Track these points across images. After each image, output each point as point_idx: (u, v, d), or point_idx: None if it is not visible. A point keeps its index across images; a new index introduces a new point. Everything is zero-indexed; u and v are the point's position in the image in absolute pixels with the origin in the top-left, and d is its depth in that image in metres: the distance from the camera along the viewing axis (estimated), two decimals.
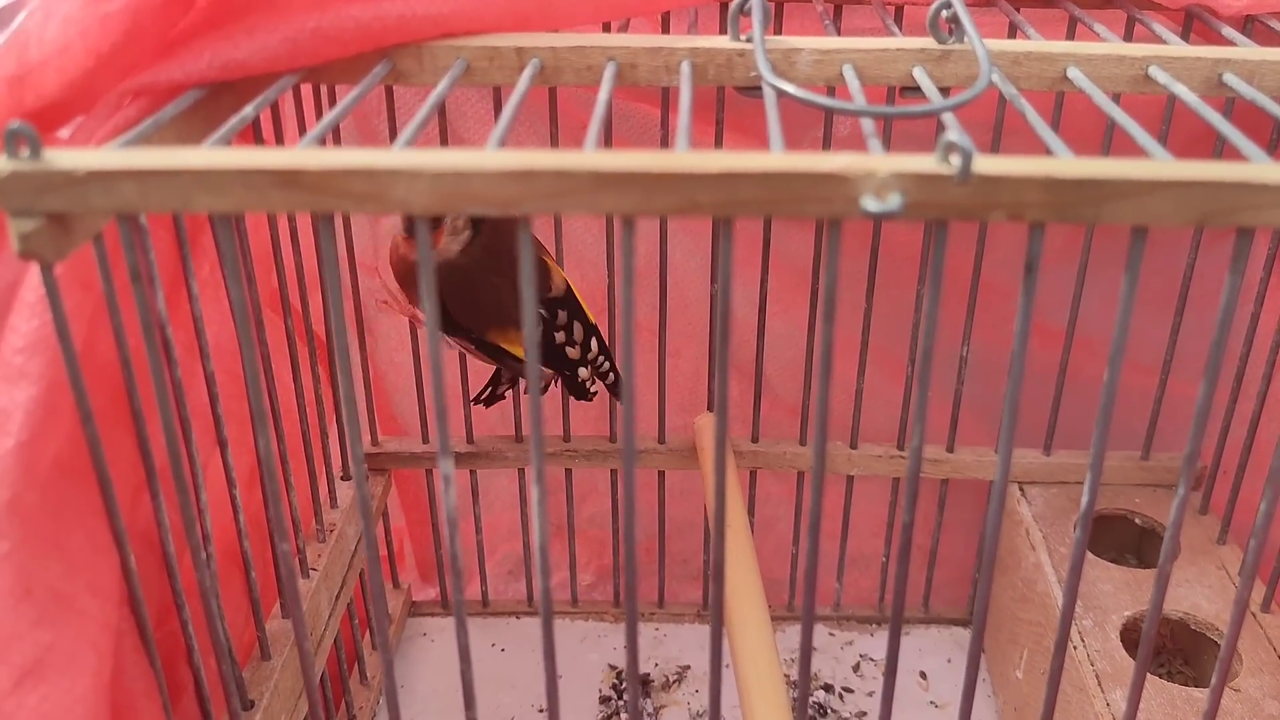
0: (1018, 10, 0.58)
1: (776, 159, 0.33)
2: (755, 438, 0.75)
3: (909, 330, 0.72)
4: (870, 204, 0.33)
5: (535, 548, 0.48)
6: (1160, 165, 0.33)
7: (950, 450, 0.75)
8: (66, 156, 0.34)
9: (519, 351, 0.65)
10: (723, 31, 0.60)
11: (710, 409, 0.75)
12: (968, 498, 0.80)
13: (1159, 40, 0.52)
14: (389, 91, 0.63)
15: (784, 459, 0.75)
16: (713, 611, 0.41)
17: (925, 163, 0.33)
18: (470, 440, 0.76)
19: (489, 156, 0.33)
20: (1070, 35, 0.60)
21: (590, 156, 0.33)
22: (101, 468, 0.40)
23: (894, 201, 0.33)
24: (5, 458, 0.37)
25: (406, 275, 0.63)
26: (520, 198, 0.34)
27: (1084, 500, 0.39)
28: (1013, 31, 0.58)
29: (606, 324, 0.71)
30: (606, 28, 0.58)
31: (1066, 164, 0.33)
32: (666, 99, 0.64)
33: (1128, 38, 0.59)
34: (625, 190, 0.33)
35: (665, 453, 0.75)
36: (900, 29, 0.53)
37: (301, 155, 0.34)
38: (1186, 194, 0.33)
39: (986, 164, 0.33)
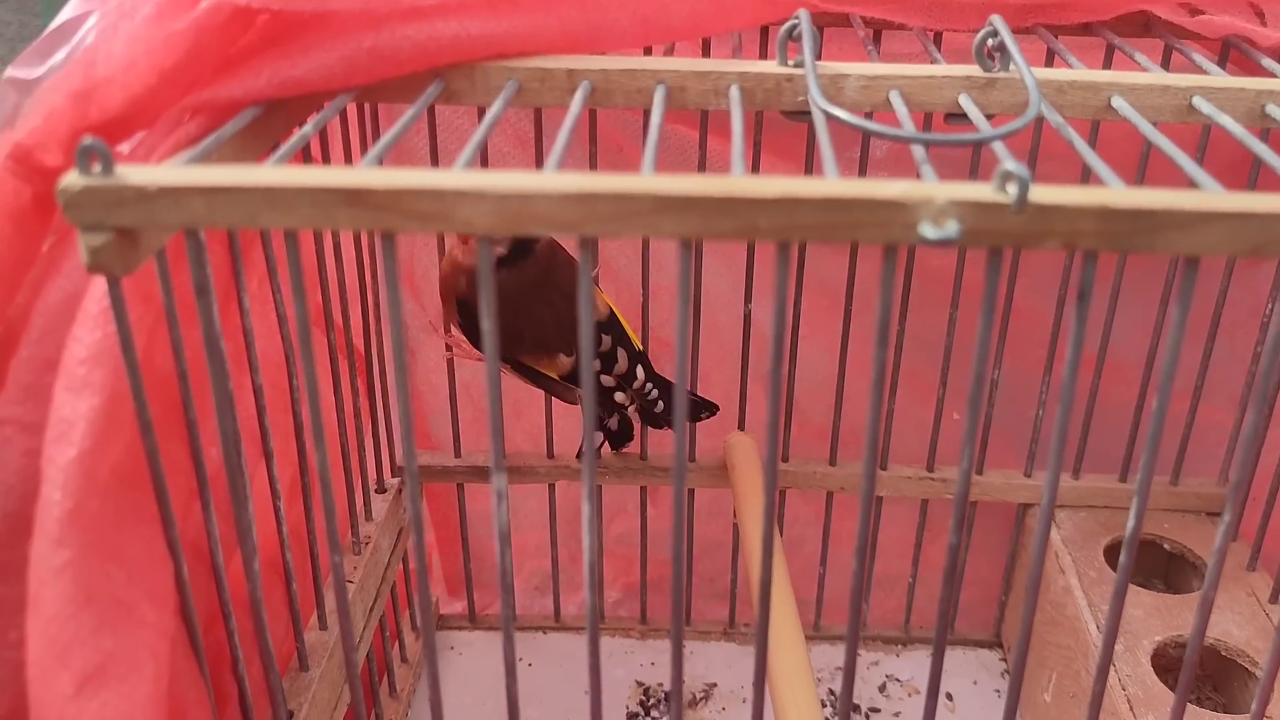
0: (1055, 38, 0.58)
1: (836, 185, 0.34)
2: (785, 457, 0.76)
3: (940, 353, 0.72)
4: (928, 231, 0.33)
5: (584, 564, 0.48)
6: (1214, 196, 0.34)
7: (979, 473, 0.76)
8: (137, 173, 0.35)
9: (553, 373, 0.66)
10: (762, 56, 0.61)
11: (740, 428, 0.75)
12: (994, 520, 0.80)
13: (1197, 69, 0.53)
14: (430, 109, 0.63)
15: (813, 479, 0.76)
16: (758, 631, 0.41)
17: (982, 191, 0.34)
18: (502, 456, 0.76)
19: (552, 179, 0.34)
20: (1108, 63, 0.60)
21: (651, 180, 0.34)
22: (159, 478, 0.41)
23: (951, 229, 0.33)
24: (68, 467, 0.38)
25: (446, 294, 0.63)
26: (582, 220, 0.34)
27: (1130, 524, 0.40)
28: (1050, 58, 0.58)
29: (642, 340, 0.72)
30: (648, 52, 0.59)
31: (1121, 194, 0.34)
32: (705, 121, 0.64)
33: (1165, 66, 0.59)
34: (686, 214, 0.34)
35: (695, 471, 0.76)
36: (940, 54, 0.54)
37: (369, 175, 0.34)
38: (1240, 225, 0.33)
39: (1042, 193, 0.33)
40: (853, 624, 0.41)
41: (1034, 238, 0.34)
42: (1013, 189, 0.33)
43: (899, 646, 0.82)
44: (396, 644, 0.75)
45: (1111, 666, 0.61)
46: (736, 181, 0.34)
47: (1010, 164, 0.33)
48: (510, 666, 0.43)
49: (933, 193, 0.33)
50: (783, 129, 0.68)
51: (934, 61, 0.51)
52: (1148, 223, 0.33)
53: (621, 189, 0.34)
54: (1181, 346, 0.36)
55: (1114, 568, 0.70)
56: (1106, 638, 0.42)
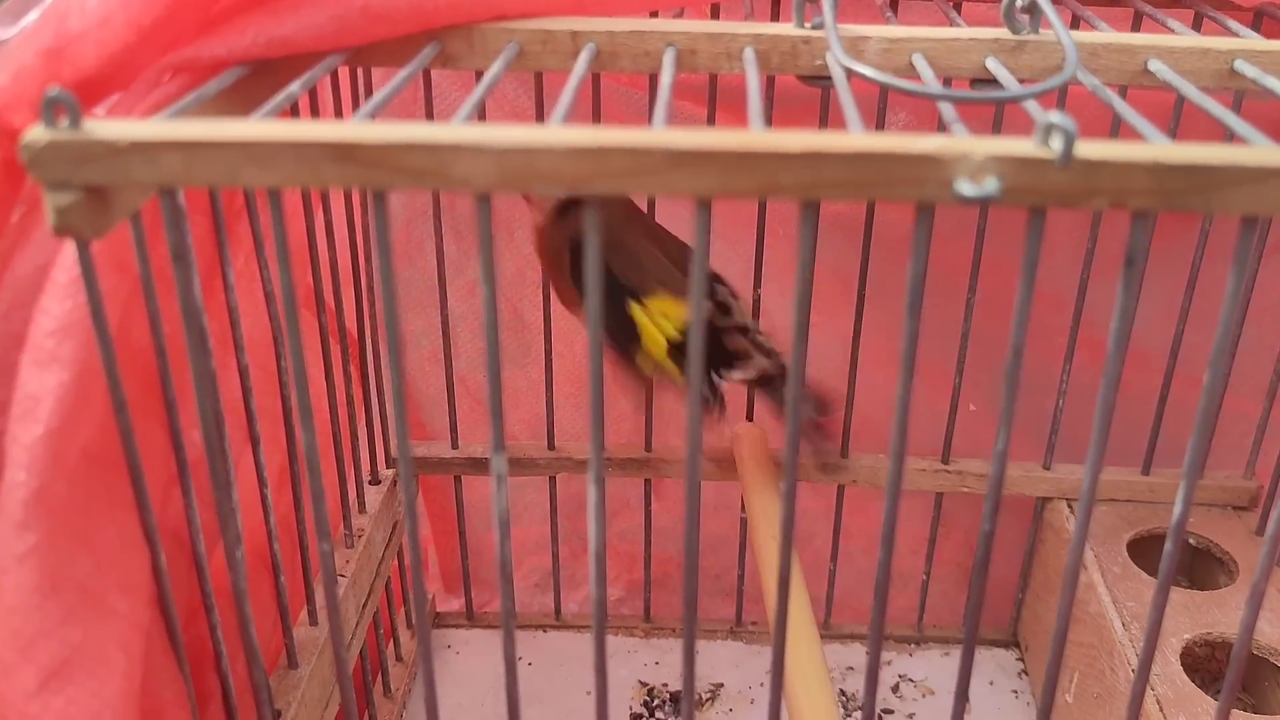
0: (1083, 6, 0.56)
1: (865, 139, 0.31)
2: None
3: (955, 341, 0.70)
4: (965, 188, 0.31)
5: (590, 556, 0.46)
6: (1273, 152, 0.31)
7: None
8: (108, 126, 0.32)
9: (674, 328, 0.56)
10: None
11: (749, 419, 0.73)
12: (1010, 514, 0.78)
13: (1233, 36, 0.50)
14: (427, 77, 0.61)
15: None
16: (775, 628, 0.39)
17: (1024, 146, 0.31)
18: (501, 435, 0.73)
19: (557, 133, 0.31)
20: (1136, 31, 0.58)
21: (666, 134, 0.31)
22: (134, 459, 0.38)
23: (991, 186, 0.31)
24: (34, 446, 0.35)
25: (551, 251, 0.59)
26: (590, 176, 0.32)
27: (1176, 511, 0.37)
28: (1075, 25, 0.56)
29: None
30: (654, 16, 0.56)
31: (1175, 149, 0.31)
32: (714, 94, 0.62)
33: None
34: (703, 170, 0.31)
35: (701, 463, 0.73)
36: (962, 22, 0.51)
37: (357, 128, 0.32)
38: None
39: (1089, 148, 0.31)
40: (876, 620, 0.38)
41: (1080, 196, 0.31)
42: (1057, 142, 0.31)
43: (912, 646, 0.79)
44: (391, 642, 0.73)
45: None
46: (757, 135, 0.31)
47: (1054, 115, 0.30)
48: (510, 664, 0.40)
49: (970, 147, 0.31)
50: (792, 106, 0.66)
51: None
52: (1203, 179, 0.31)
53: (633, 143, 0.31)
54: (1235, 317, 0.34)
55: (1137, 563, 0.67)
56: (1149, 634, 0.39)
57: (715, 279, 0.59)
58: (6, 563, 0.34)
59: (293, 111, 0.50)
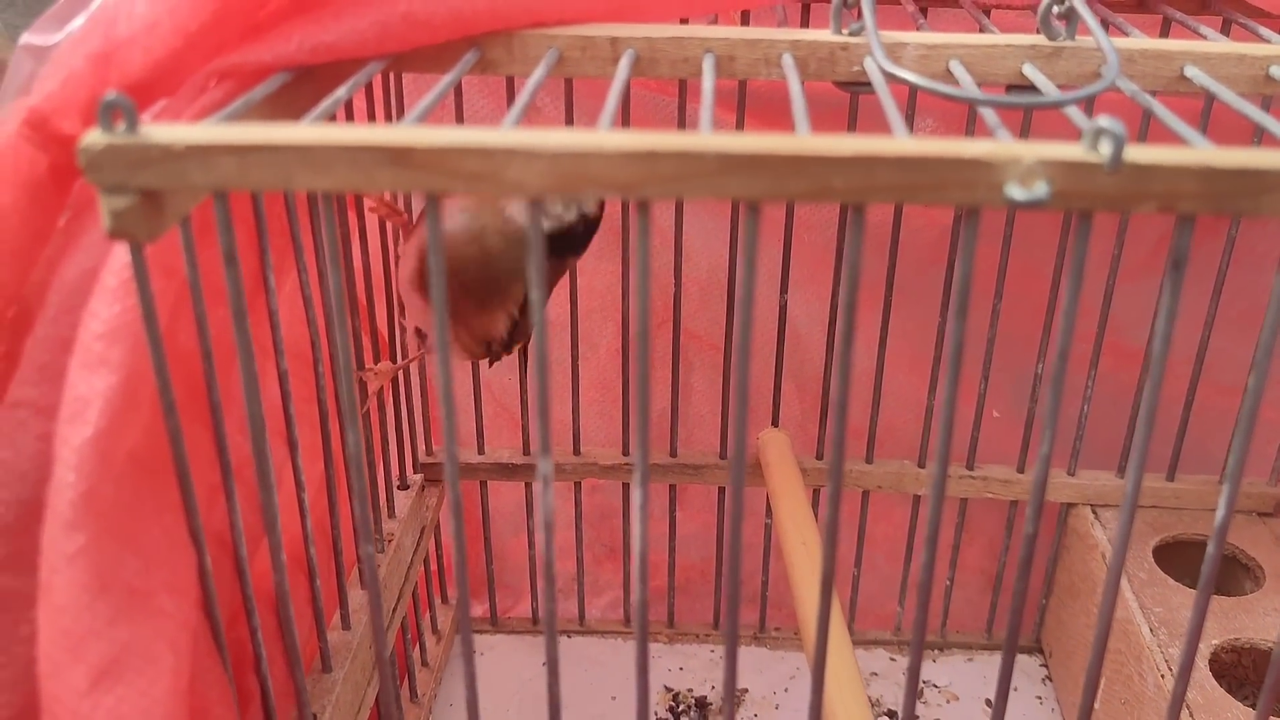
0: (1113, 13, 0.56)
1: (916, 143, 0.31)
2: (820, 454, 0.73)
3: (979, 348, 0.70)
4: (1015, 192, 0.31)
5: (635, 562, 0.46)
6: None
7: (1020, 471, 0.73)
8: (164, 131, 0.32)
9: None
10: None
11: (774, 424, 0.73)
12: None
13: (1264, 43, 0.50)
14: (458, 88, 0.61)
15: (849, 477, 0.73)
16: (818, 629, 0.39)
17: (1073, 150, 0.31)
18: (527, 451, 0.74)
19: (610, 137, 0.32)
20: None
21: (717, 138, 0.32)
22: (182, 462, 0.38)
23: (1040, 190, 0.31)
24: (82, 448, 0.36)
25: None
26: (642, 180, 0.32)
27: (1219, 514, 0.37)
28: (1108, 32, 0.56)
29: (671, 335, 0.69)
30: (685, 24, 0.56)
31: (1224, 154, 0.31)
32: (743, 102, 0.62)
33: None
34: (754, 174, 0.32)
35: (726, 468, 0.73)
36: (994, 29, 0.52)
37: (413, 132, 0.32)
38: None
39: (1139, 153, 0.31)
40: (919, 623, 0.38)
41: (1129, 200, 0.31)
42: (1106, 147, 0.31)
43: (936, 651, 0.79)
44: (417, 647, 0.73)
45: (1169, 670, 0.58)
46: (809, 139, 0.31)
47: (1104, 120, 0.31)
48: (552, 663, 0.40)
49: (1020, 151, 0.31)
50: (818, 109, 0.66)
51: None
52: (1255, 183, 0.31)
53: (685, 147, 0.31)
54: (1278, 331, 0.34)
55: (1164, 568, 0.67)
56: (1189, 639, 0.39)
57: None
58: (56, 562, 0.35)
59: (330, 118, 0.50)
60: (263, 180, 0.33)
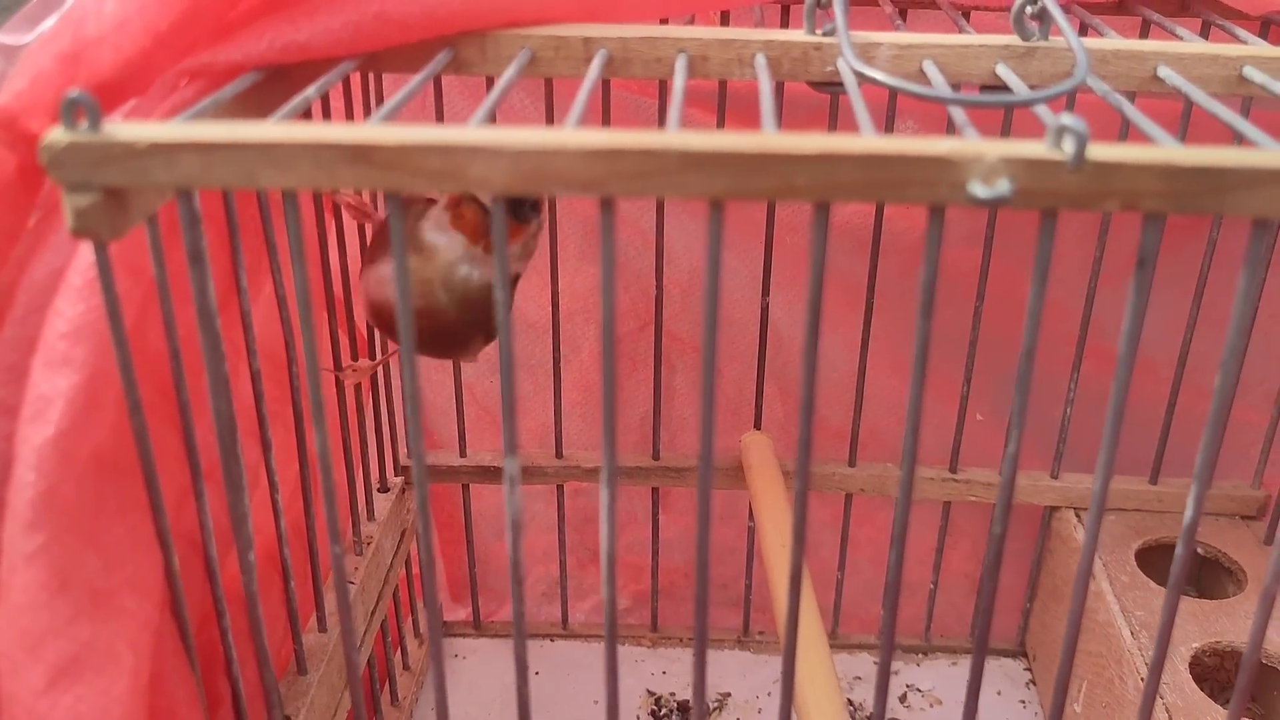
0: (1091, 14, 0.56)
1: (879, 141, 0.31)
2: None
3: (963, 349, 0.70)
4: (978, 190, 0.31)
5: (601, 559, 0.46)
6: None
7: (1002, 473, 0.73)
8: (127, 128, 0.32)
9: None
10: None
11: (756, 427, 0.73)
12: (1018, 524, 0.78)
13: (1240, 44, 0.50)
14: (437, 85, 0.61)
15: (832, 480, 0.73)
16: (786, 631, 0.39)
17: (1036, 148, 0.31)
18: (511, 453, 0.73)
19: (572, 134, 0.32)
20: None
21: (680, 136, 0.31)
22: (148, 462, 0.38)
23: (1003, 187, 0.31)
24: (43, 447, 0.35)
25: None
26: (604, 178, 0.32)
27: (1187, 515, 0.37)
28: (1084, 33, 0.56)
29: (653, 338, 0.69)
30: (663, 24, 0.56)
31: (1188, 152, 0.31)
32: (723, 102, 0.62)
33: None
34: (716, 172, 0.31)
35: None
36: (971, 29, 0.52)
37: (374, 130, 0.32)
38: None
39: (1101, 150, 0.31)
40: (887, 628, 0.38)
41: (1091, 198, 0.31)
42: (1069, 145, 0.31)
43: (920, 655, 0.79)
44: (399, 650, 0.73)
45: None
46: (771, 137, 0.31)
47: (1066, 118, 0.31)
48: (521, 666, 0.40)
49: (983, 149, 0.31)
50: (800, 114, 0.66)
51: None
52: (1215, 181, 0.31)
53: (647, 145, 0.31)
54: (1247, 319, 0.34)
55: (1146, 572, 0.67)
56: (1160, 640, 0.39)
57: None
58: (15, 562, 0.35)
59: (305, 117, 0.50)
60: (226, 178, 0.33)
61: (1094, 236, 0.66)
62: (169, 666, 0.39)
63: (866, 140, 0.31)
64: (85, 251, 0.37)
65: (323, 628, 0.56)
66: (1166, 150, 0.31)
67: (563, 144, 0.31)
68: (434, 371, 0.77)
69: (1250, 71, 0.44)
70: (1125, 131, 0.60)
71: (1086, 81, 0.42)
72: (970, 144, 0.31)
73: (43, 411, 0.36)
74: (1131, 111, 0.39)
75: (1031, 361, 0.35)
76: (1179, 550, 0.37)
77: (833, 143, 0.31)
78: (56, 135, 0.32)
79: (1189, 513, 0.37)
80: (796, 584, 0.37)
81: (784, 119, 0.63)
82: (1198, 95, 0.41)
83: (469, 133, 0.32)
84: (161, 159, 0.32)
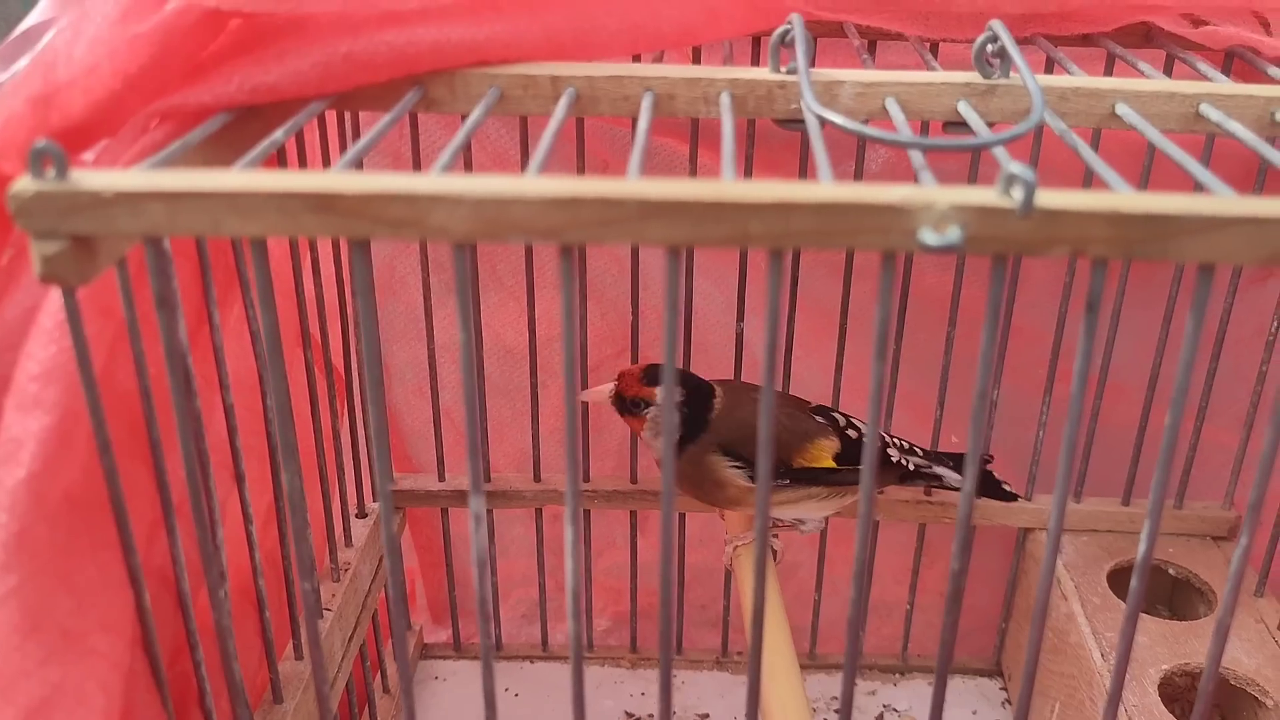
0: (1055, 47, 0.57)
1: (831, 189, 0.32)
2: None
3: (937, 374, 0.70)
4: (928, 237, 0.32)
5: (567, 591, 0.46)
6: (1231, 201, 0.32)
7: (978, 495, 0.74)
8: (93, 177, 0.33)
9: (825, 463, 0.64)
10: (755, 67, 0.59)
11: None
12: (993, 545, 0.78)
13: (1202, 79, 0.51)
14: (413, 119, 0.62)
15: None
16: (750, 659, 0.39)
17: (986, 195, 0.32)
18: (488, 479, 0.74)
19: (532, 183, 0.32)
20: (1109, 75, 0.59)
21: (638, 184, 0.32)
22: (118, 500, 0.39)
23: (953, 235, 0.32)
24: (16, 489, 0.36)
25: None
26: (564, 226, 0.32)
27: (1141, 548, 0.38)
28: (1050, 67, 0.57)
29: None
30: (636, 60, 0.57)
31: (1133, 198, 0.32)
32: (696, 134, 0.63)
33: (1168, 77, 0.58)
34: (674, 220, 0.32)
35: (685, 495, 0.73)
36: (937, 65, 0.52)
37: (337, 179, 0.33)
38: (1259, 231, 0.32)
39: (1049, 198, 0.32)
40: (850, 652, 0.39)
41: (1040, 244, 0.32)
42: (1018, 192, 0.31)
43: (896, 675, 0.80)
44: (379, 674, 0.73)
45: (1121, 697, 0.59)
46: (727, 186, 0.32)
47: (1015, 166, 0.31)
48: (489, 698, 0.40)
49: (934, 197, 0.32)
50: (775, 142, 0.67)
51: (931, 70, 0.50)
52: (1161, 228, 0.32)
53: (606, 193, 0.32)
54: (1194, 360, 0.35)
55: (1118, 594, 0.67)
56: (1118, 666, 0.40)
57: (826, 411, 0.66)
58: None
59: (280, 154, 0.51)
60: (191, 226, 0.33)
61: (1064, 262, 0.67)
62: (140, 703, 0.40)
63: (821, 188, 0.32)
64: (56, 293, 0.37)
65: (299, 656, 0.57)
66: (1113, 197, 0.32)
67: (522, 192, 0.32)
68: (412, 396, 0.78)
69: (1207, 109, 0.45)
70: (1147, 176, 0.61)
71: (1044, 120, 0.42)
72: (922, 191, 0.32)
73: (14, 454, 0.36)
74: (1086, 152, 0.39)
75: (984, 403, 0.35)
76: (1133, 584, 0.38)
77: (788, 191, 0.32)
78: (23, 184, 0.33)
79: (1142, 548, 0.37)
80: (760, 606, 0.38)
81: (757, 149, 0.64)
82: (1151, 133, 0.42)
83: (430, 181, 0.32)
84: (127, 208, 0.33)
